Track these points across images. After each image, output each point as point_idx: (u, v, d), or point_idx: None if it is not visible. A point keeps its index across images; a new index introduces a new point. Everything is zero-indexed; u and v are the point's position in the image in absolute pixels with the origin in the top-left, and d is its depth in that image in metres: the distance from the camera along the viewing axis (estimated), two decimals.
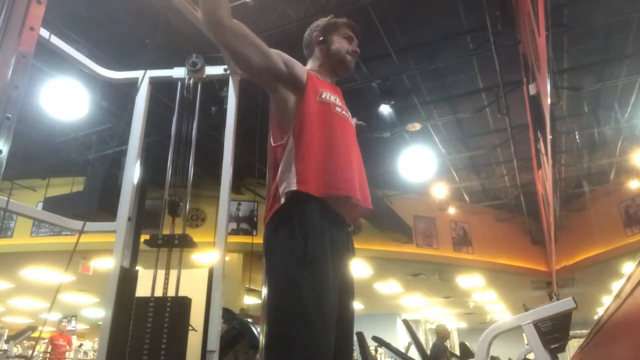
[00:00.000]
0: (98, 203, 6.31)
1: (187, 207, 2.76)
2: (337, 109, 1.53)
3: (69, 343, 10.05)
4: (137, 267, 2.61)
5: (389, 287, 11.51)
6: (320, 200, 1.36)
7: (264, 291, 2.51)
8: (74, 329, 13.68)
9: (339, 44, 1.66)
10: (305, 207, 1.34)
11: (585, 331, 6.18)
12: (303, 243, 1.29)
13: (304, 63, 1.64)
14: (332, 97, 1.53)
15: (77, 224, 2.72)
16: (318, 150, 1.40)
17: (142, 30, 4.82)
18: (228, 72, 2.93)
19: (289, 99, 1.46)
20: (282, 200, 1.36)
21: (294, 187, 1.34)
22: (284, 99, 1.46)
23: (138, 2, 4.28)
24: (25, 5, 1.21)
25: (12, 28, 1.17)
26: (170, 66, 2.99)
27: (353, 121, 1.63)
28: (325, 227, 1.35)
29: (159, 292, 2.43)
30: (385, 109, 5.86)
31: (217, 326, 2.45)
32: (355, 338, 4.97)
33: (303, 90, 1.46)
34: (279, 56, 1.44)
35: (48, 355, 9.54)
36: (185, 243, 2.47)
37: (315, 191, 1.35)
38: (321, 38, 1.67)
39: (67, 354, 9.64)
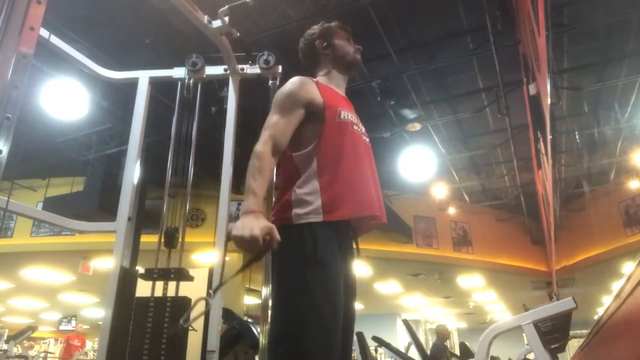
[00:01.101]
0: (98, 203, 6.31)
1: (187, 207, 2.76)
2: (355, 127, 1.55)
3: (84, 343, 10.15)
4: (137, 267, 2.61)
5: (389, 287, 11.51)
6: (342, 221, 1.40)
7: (264, 291, 2.51)
8: (74, 329, 13.68)
9: (344, 45, 1.70)
10: (319, 227, 1.36)
11: (585, 331, 6.19)
12: (313, 241, 1.31)
13: (303, 69, 1.65)
14: (349, 114, 1.55)
15: (77, 224, 2.72)
16: (342, 178, 1.42)
17: (142, 30, 4.81)
18: (228, 72, 2.93)
19: (308, 124, 1.48)
20: (296, 222, 1.36)
21: (319, 219, 1.35)
22: (302, 125, 1.48)
23: (138, 2, 4.27)
24: (25, 5, 1.21)
25: (12, 28, 1.17)
26: (170, 66, 2.99)
27: None
28: (333, 228, 1.37)
29: (159, 292, 2.43)
30: (385, 109, 5.86)
31: (217, 326, 2.45)
32: (355, 338, 4.98)
33: (323, 115, 1.47)
34: (295, 104, 1.46)
35: (62, 353, 9.62)
36: (181, 277, 2.45)
37: (340, 217, 1.38)
38: (325, 44, 1.69)
39: (80, 354, 9.73)
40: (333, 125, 1.47)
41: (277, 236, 1.23)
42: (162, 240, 2.56)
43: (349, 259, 1.46)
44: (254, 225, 1.21)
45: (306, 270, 1.29)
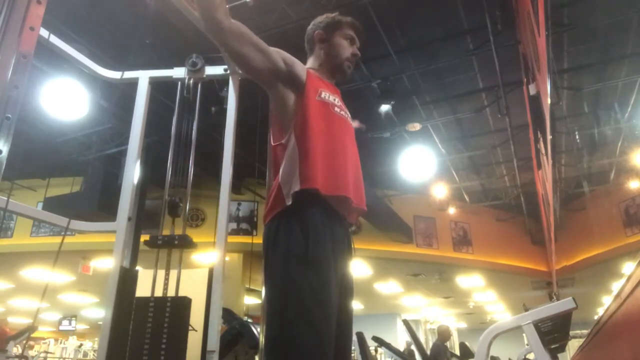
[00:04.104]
0: (98, 203, 6.32)
1: (187, 207, 2.76)
2: (336, 109, 1.52)
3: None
4: (137, 267, 2.61)
5: (389, 287, 11.51)
6: (322, 200, 1.36)
7: (264, 291, 2.51)
8: (73, 329, 13.68)
9: (340, 46, 1.64)
10: (308, 207, 1.34)
11: (585, 331, 6.19)
12: (304, 242, 1.29)
13: (304, 61, 1.63)
14: (332, 97, 1.52)
15: (77, 224, 2.71)
16: (319, 150, 1.40)
17: (142, 30, 4.82)
18: (228, 72, 2.93)
19: (288, 97, 1.46)
20: (288, 202, 1.34)
21: (297, 188, 1.34)
22: (283, 97, 1.46)
23: (138, 2, 4.27)
24: (25, 5, 1.21)
25: (12, 28, 1.17)
26: (170, 66, 2.99)
27: (353, 124, 1.63)
28: (327, 226, 1.35)
29: (159, 292, 2.43)
30: (385, 109, 5.86)
31: (217, 326, 2.45)
32: (355, 338, 4.98)
33: (303, 89, 1.45)
34: (278, 54, 1.44)
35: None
36: (185, 243, 2.46)
37: (319, 186, 1.35)
38: (323, 37, 1.65)
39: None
40: (312, 102, 1.45)
41: None
42: (164, 235, 2.55)
43: (345, 257, 1.43)
44: None
45: (295, 272, 1.26)
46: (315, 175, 1.35)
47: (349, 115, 1.60)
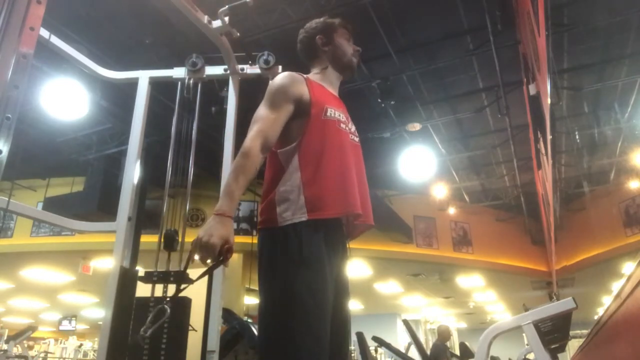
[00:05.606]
0: (98, 203, 6.31)
1: (187, 207, 2.76)
2: (342, 125, 1.51)
3: None
4: (137, 267, 2.61)
5: (389, 287, 11.51)
6: (326, 220, 1.38)
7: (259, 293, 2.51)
8: (73, 329, 13.68)
9: (343, 46, 1.67)
10: (305, 227, 1.34)
11: (585, 331, 6.19)
12: (299, 243, 1.29)
13: (302, 69, 1.62)
14: (337, 112, 1.51)
15: (77, 224, 2.72)
16: (326, 175, 1.39)
17: (142, 30, 4.82)
18: (228, 72, 2.94)
19: (294, 120, 1.46)
20: (283, 224, 1.33)
21: (304, 218, 1.33)
22: (288, 122, 1.45)
23: (138, 2, 4.27)
24: (25, 5, 1.21)
25: (12, 28, 1.17)
26: (170, 66, 2.99)
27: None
28: (321, 227, 1.35)
29: (158, 292, 2.43)
30: (385, 109, 5.86)
31: (217, 326, 2.46)
32: (355, 338, 4.98)
33: (309, 111, 1.45)
34: (286, 100, 1.44)
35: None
36: (181, 280, 2.44)
37: (325, 215, 1.36)
38: (325, 40, 1.66)
39: None
40: (318, 122, 1.44)
41: (232, 250, 1.20)
42: (162, 241, 2.55)
43: (340, 258, 1.43)
44: (216, 231, 1.18)
45: (292, 274, 1.27)
46: (323, 205, 1.36)
47: (354, 128, 1.59)
